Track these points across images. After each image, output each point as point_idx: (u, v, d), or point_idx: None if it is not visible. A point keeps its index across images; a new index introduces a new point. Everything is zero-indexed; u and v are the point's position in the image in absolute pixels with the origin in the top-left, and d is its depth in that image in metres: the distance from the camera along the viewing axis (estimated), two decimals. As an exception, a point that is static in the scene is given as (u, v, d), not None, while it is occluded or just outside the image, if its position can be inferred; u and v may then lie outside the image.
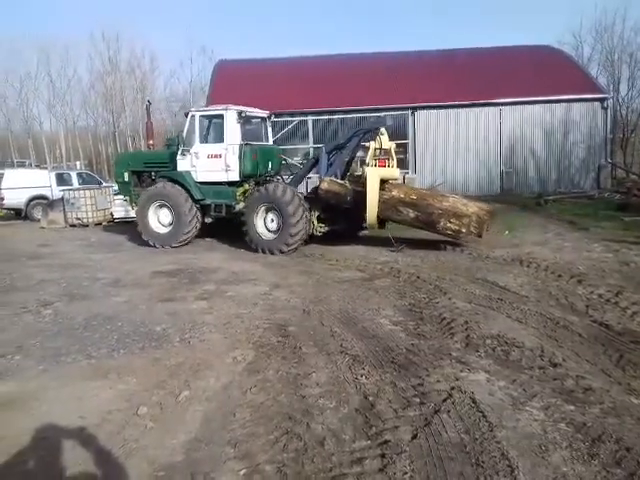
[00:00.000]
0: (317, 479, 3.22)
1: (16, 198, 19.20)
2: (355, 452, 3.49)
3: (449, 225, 10.28)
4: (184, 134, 11.94)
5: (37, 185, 19.66)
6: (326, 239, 11.88)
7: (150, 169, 13.04)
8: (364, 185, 10.47)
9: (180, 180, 11.95)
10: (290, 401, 4.23)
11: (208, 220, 12.54)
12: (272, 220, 11.23)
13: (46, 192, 19.52)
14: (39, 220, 17.85)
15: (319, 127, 21.26)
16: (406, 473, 3.23)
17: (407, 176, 20.63)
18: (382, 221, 11.11)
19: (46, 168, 29.30)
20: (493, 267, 8.90)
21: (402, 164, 21.12)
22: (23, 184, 19.46)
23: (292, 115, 20.82)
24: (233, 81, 22.18)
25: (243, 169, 11.58)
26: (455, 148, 21.26)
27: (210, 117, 12.13)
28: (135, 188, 13.01)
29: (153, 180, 12.79)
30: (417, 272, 8.68)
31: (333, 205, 11.34)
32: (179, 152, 11.95)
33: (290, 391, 4.41)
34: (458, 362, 4.89)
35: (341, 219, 11.87)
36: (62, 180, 20.06)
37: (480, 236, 10.31)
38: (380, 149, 10.64)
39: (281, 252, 10.95)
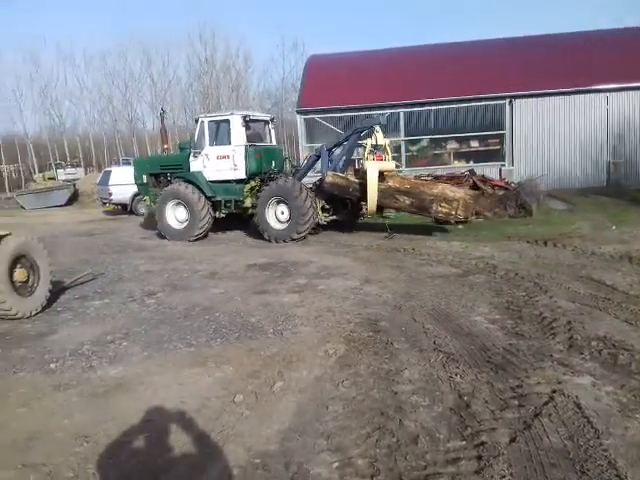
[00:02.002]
0: (410, 477, 3.17)
1: (122, 194, 20.49)
2: (450, 452, 3.41)
3: (440, 209, 11.24)
4: (195, 138, 13.10)
5: (141, 182, 20.92)
6: (331, 228, 13.05)
7: (166, 171, 13.91)
8: (364, 177, 11.44)
9: (193, 180, 12.98)
10: (382, 397, 4.20)
11: (221, 215, 13.41)
12: (282, 212, 12.23)
13: (149, 188, 20.70)
14: (143, 214, 18.96)
15: (411, 120, 20.92)
16: (504, 477, 3.11)
17: (503, 168, 19.85)
18: (381, 208, 12.17)
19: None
20: (599, 264, 8.34)
21: (498, 156, 20.38)
22: (128, 181, 20.76)
23: (383, 108, 20.63)
24: (324, 76, 22.31)
25: (249, 168, 12.68)
26: (556, 138, 20.09)
27: (218, 122, 13.00)
28: (153, 189, 13.95)
29: (169, 181, 13.69)
30: (515, 268, 8.32)
31: (335, 196, 12.47)
32: (191, 154, 13.02)
33: (382, 387, 4.38)
34: (560, 364, 4.63)
35: (341, 209, 13.04)
36: (163, 177, 21.16)
37: (467, 219, 11.42)
38: (376, 145, 11.70)
39: (292, 239, 11.98)
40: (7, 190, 35.94)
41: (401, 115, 20.81)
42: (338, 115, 20.87)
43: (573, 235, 10.74)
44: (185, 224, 12.98)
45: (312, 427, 3.79)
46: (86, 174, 36.35)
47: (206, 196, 12.90)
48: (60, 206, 26.19)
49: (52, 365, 5.21)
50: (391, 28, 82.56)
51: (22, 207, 26.19)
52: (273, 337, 5.76)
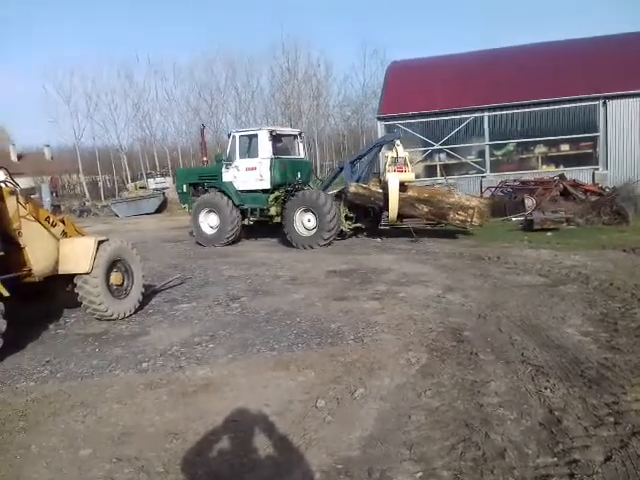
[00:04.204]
0: (497, 492, 3.06)
1: None
2: (539, 468, 3.26)
3: (457, 216, 12.24)
4: (228, 151, 14.18)
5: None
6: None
7: (203, 181, 14.96)
8: (386, 188, 12.21)
9: (224, 189, 14.14)
10: (467, 408, 4.09)
11: (250, 222, 14.36)
12: (309, 220, 13.05)
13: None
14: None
15: (496, 123, 20.27)
16: (600, 498, 2.93)
17: (597, 172, 18.79)
18: (401, 216, 12.88)
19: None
20: None
21: (590, 160, 19.32)
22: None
23: (467, 112, 20.15)
24: (405, 81, 22.13)
25: (273, 179, 13.62)
26: (655, 140, 18.75)
27: (248, 136, 14.01)
28: (192, 197, 14.99)
29: (206, 190, 14.70)
30: (610, 278, 7.84)
31: (358, 205, 13.41)
32: (224, 166, 14.10)
33: (466, 398, 4.26)
34: (662, 381, 4.31)
35: (363, 217, 13.94)
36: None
37: (481, 225, 12.33)
38: (396, 157, 12.38)
39: (319, 244, 12.71)
40: (102, 199, 38.29)
41: (485, 119, 20.23)
42: (419, 121, 20.63)
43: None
44: (216, 230, 14.07)
45: (394, 435, 3.74)
46: (174, 183, 38.02)
47: (235, 204, 13.91)
48: (150, 214, 27.60)
49: (144, 364, 5.48)
50: (471, 31, 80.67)
51: (116, 215, 27.88)
52: (354, 344, 5.76)
